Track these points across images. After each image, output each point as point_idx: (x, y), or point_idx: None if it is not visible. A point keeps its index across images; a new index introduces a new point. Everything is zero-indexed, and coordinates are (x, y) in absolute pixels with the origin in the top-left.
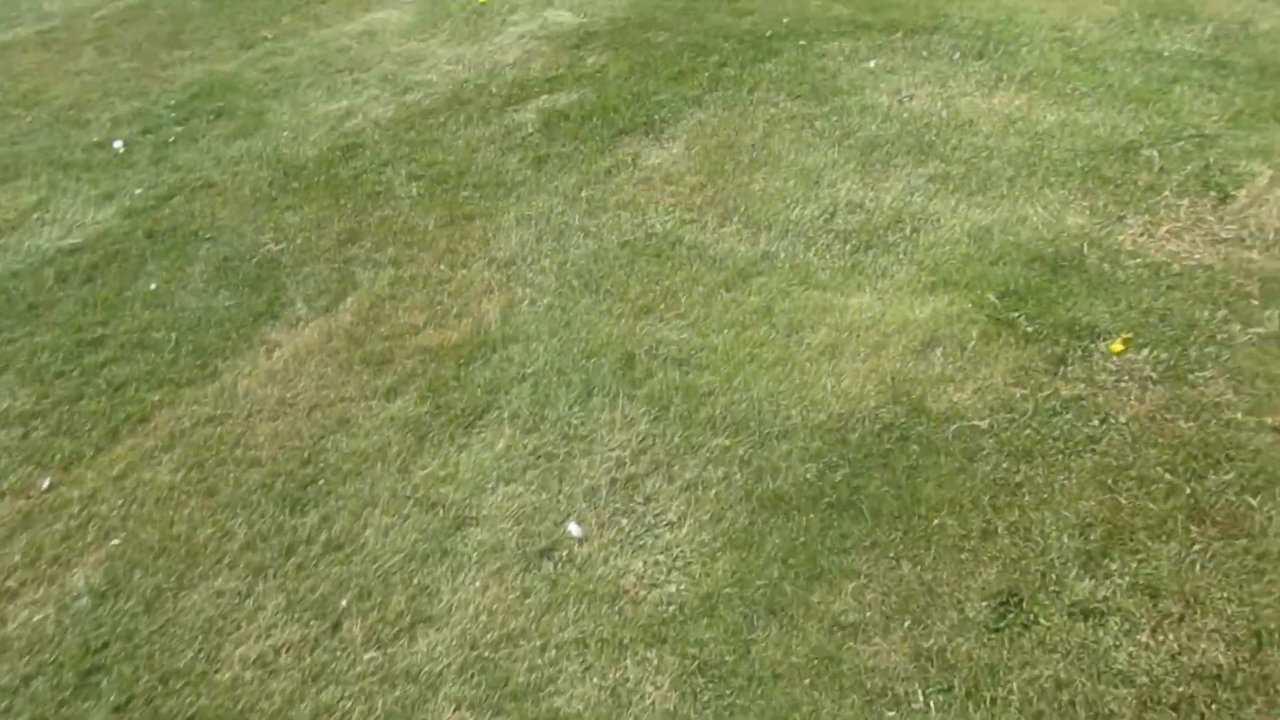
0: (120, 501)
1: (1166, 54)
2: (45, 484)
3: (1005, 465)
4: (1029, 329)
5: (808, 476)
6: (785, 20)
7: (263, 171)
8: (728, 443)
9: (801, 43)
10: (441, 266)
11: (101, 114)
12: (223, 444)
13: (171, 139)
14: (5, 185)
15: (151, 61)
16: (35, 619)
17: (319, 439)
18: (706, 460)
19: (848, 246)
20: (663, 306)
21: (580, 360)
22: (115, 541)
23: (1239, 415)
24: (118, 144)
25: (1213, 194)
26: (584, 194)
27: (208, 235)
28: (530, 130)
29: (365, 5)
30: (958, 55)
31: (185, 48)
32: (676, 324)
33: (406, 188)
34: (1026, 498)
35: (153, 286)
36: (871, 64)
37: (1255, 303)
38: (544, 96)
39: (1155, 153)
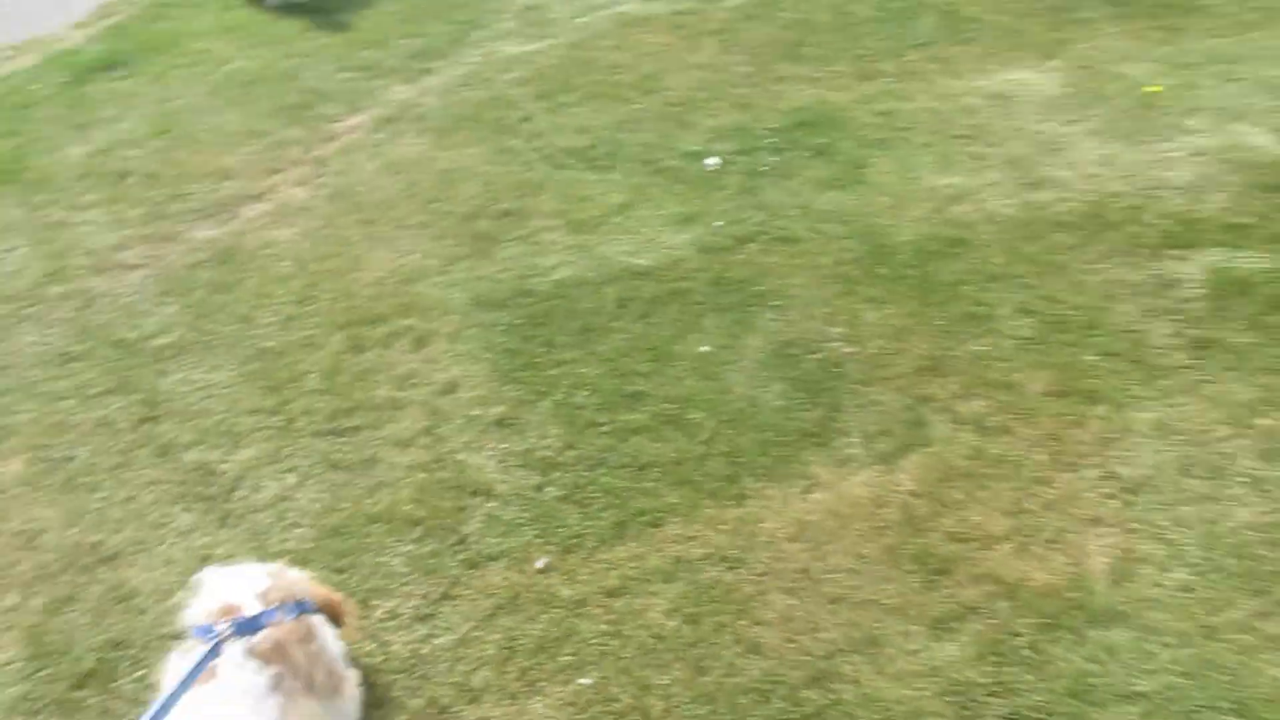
0: (601, 628)
1: None
2: (540, 564)
3: None
4: None
5: None
6: None
7: (849, 241)
8: None
9: None
10: (1040, 456)
11: (705, 119)
12: (729, 601)
13: (764, 168)
14: (602, 176)
15: (766, 71)
16: None
17: (834, 654)
18: None
19: None
20: None
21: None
22: (585, 681)
23: None
24: (712, 162)
25: None
26: (1266, 423)
27: (775, 303)
28: (1192, 294)
29: (1004, 59)
30: None
31: (802, 62)
32: None
33: (1013, 322)
34: None
35: (704, 349)
36: None
37: None
38: (1219, 250)
39: None
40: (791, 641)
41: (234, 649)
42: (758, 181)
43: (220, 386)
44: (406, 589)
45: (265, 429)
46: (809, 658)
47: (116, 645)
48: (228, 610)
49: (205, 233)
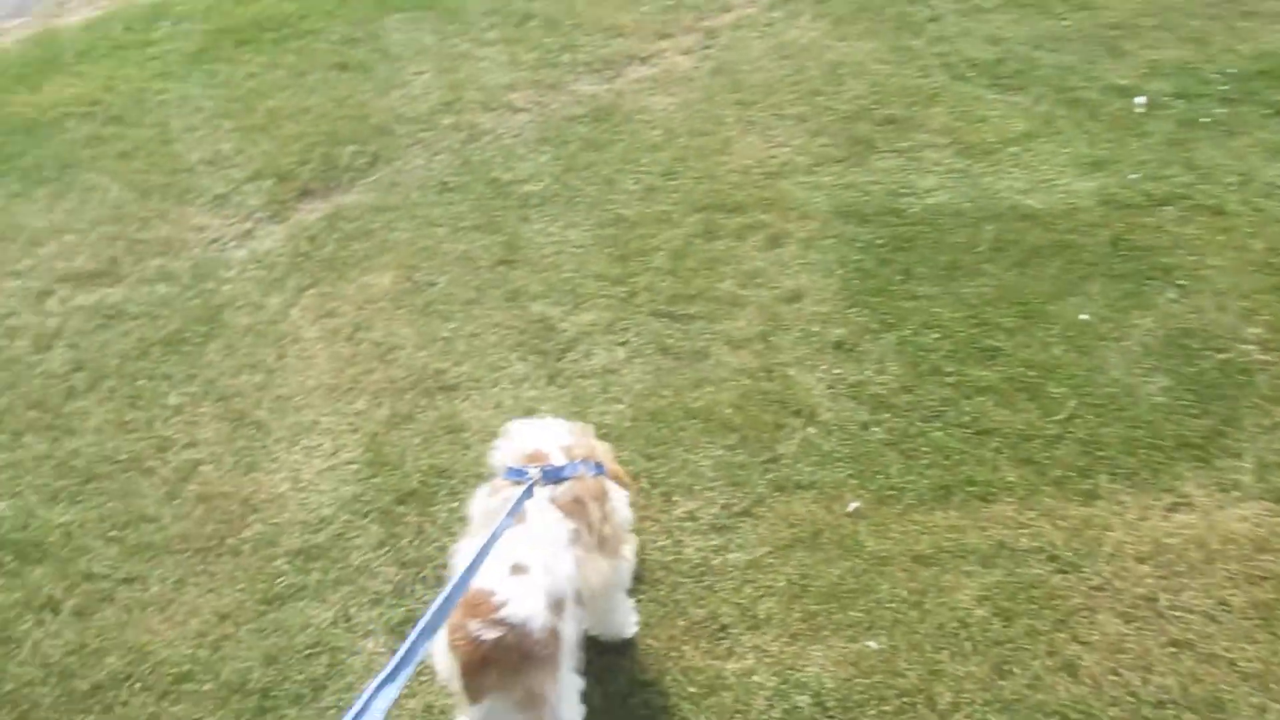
0: (901, 593)
1: None
2: (852, 507)
3: None
4: None
5: None
6: None
7: (1275, 227)
8: None
9: None
10: None
11: (1144, 49)
12: (1050, 607)
13: (1206, 120)
14: (1006, 98)
15: (1234, 1)
16: None
17: (1164, 704)
18: None
19: None
20: None
21: None
22: (872, 644)
23: None
24: (1140, 101)
25: None
26: None
27: (1181, 282)
28: None
29: None
30: None
31: None
32: None
33: None
34: None
35: (1083, 317)
36: None
37: None
38: None
39: None
40: (1115, 675)
41: (540, 496)
42: (1193, 134)
43: (573, 245)
44: (710, 494)
45: (607, 297)
46: (1132, 699)
47: (440, 473)
48: (535, 457)
49: (588, 87)
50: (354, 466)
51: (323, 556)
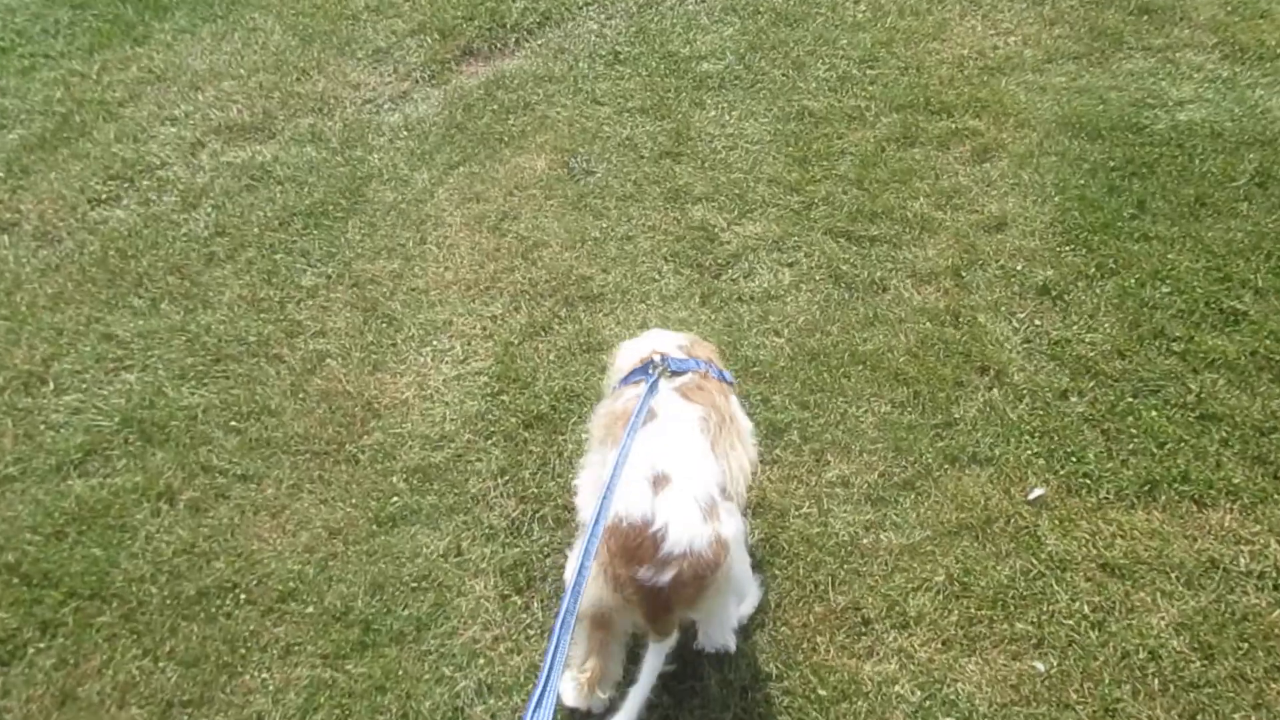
0: (1081, 609)
1: None
2: (1034, 494)
3: None
4: None
5: None
6: None
7: None
8: None
9: None
10: None
11: None
12: (1268, 648)
13: None
14: None
15: None
16: None
17: None
18: None
19: None
20: None
21: None
22: (1039, 666)
23: None
24: None
25: None
26: None
27: None
28: None
29: None
30: None
31: None
32: None
33: None
34: None
35: None
36: None
37: None
38: None
39: None
40: None
41: (665, 389)
42: None
43: (749, 140)
44: (869, 458)
45: (779, 206)
46: None
47: (572, 396)
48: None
49: None
50: (483, 379)
51: (440, 478)
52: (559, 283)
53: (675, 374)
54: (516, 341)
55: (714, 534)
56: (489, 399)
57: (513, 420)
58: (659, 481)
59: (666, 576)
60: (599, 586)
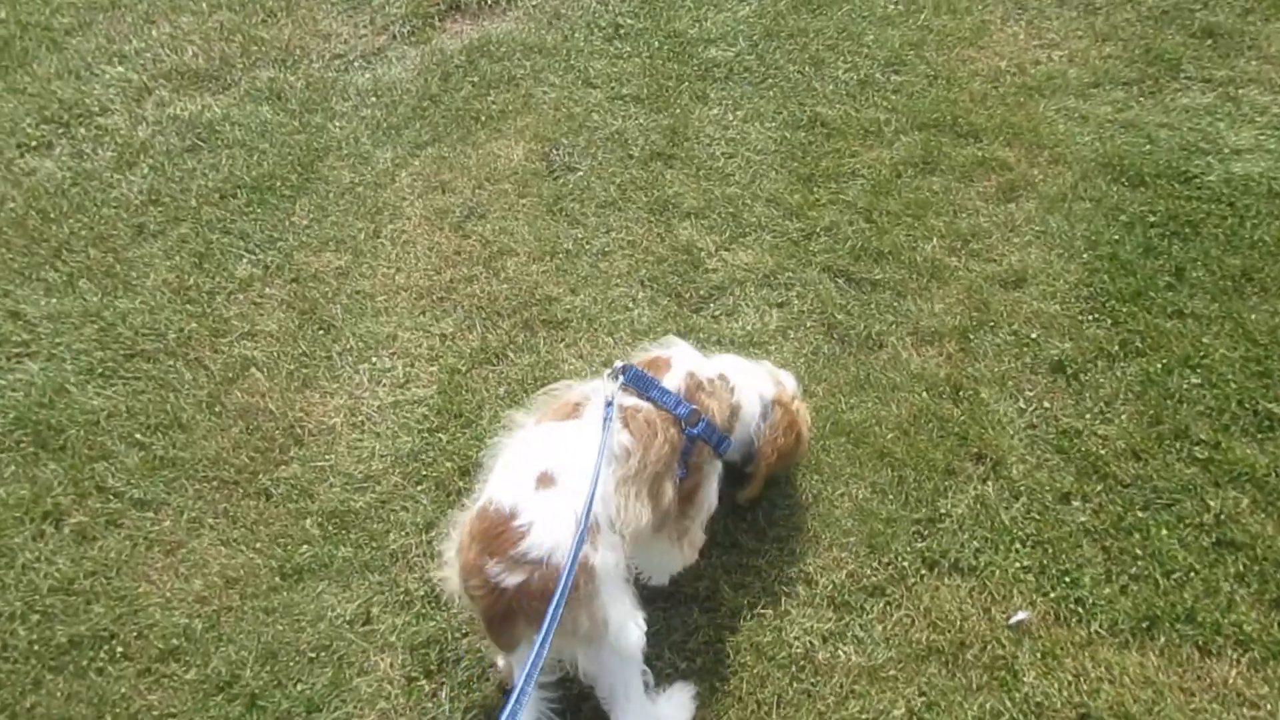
0: None
1: None
2: (1016, 618)
3: None
4: None
5: None
6: None
7: None
8: None
9: None
10: None
11: None
12: None
13: None
14: None
15: None
16: None
17: None
18: None
19: None
20: None
21: None
22: None
23: None
24: None
25: None
26: None
27: None
28: None
29: None
30: None
31: None
32: None
33: None
34: None
35: None
36: None
37: None
38: None
39: None
40: None
41: (613, 398)
42: None
43: (752, 149)
44: (838, 553)
45: (775, 233)
46: None
47: None
48: (655, 363)
49: None
50: (422, 410)
51: (359, 527)
52: (521, 301)
53: (640, 394)
54: (465, 369)
55: (583, 557)
56: (426, 435)
57: (448, 465)
58: (545, 479)
59: (514, 579)
60: (453, 571)
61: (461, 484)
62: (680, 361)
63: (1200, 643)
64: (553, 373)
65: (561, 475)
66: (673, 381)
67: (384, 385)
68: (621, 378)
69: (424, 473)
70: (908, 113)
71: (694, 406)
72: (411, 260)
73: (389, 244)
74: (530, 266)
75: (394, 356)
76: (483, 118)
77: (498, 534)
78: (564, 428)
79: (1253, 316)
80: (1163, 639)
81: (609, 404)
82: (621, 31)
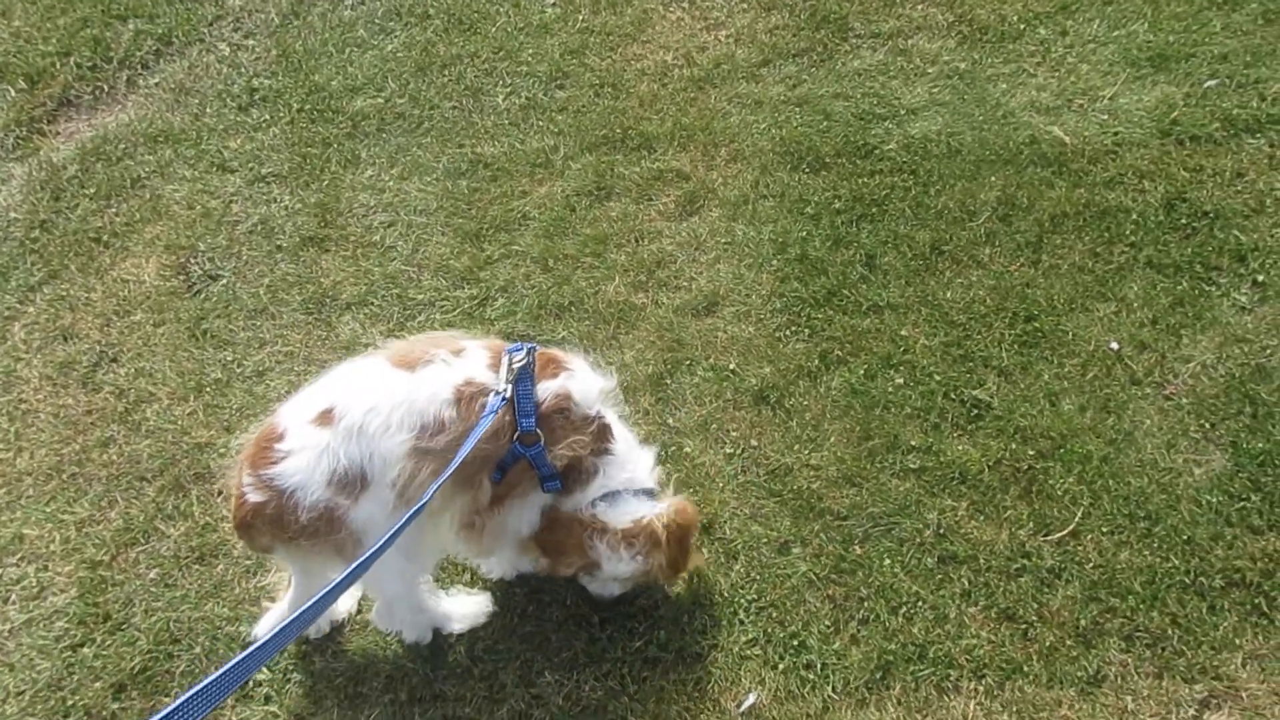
0: None
1: None
2: (746, 703)
3: None
4: None
5: None
6: None
7: None
8: None
9: None
10: None
11: None
12: None
13: None
14: None
15: None
16: None
17: None
18: None
19: None
20: None
21: None
22: None
23: None
24: None
25: None
26: None
27: (1254, 273)
28: None
29: None
30: None
31: None
32: None
33: None
34: None
35: (1113, 345)
36: None
37: None
38: None
39: None
40: None
41: (499, 363)
42: None
43: (412, 210)
44: (551, 675)
45: (446, 307)
46: None
47: (178, 637)
48: (551, 361)
49: None
50: (61, 623)
51: None
52: (167, 458)
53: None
54: (107, 558)
55: (331, 506)
56: (67, 655)
57: (98, 685)
58: (325, 417)
59: (256, 498)
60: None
61: (115, 708)
62: (566, 378)
63: (936, 681)
64: (212, 536)
65: (345, 419)
66: (542, 392)
67: (15, 602)
68: (521, 362)
69: (68, 707)
70: (575, 133)
71: (536, 430)
72: (34, 434)
73: (4, 421)
74: (174, 410)
75: (23, 562)
76: (105, 236)
77: (263, 449)
78: (388, 374)
79: (947, 294)
80: (898, 686)
81: (499, 395)
82: (258, 96)
